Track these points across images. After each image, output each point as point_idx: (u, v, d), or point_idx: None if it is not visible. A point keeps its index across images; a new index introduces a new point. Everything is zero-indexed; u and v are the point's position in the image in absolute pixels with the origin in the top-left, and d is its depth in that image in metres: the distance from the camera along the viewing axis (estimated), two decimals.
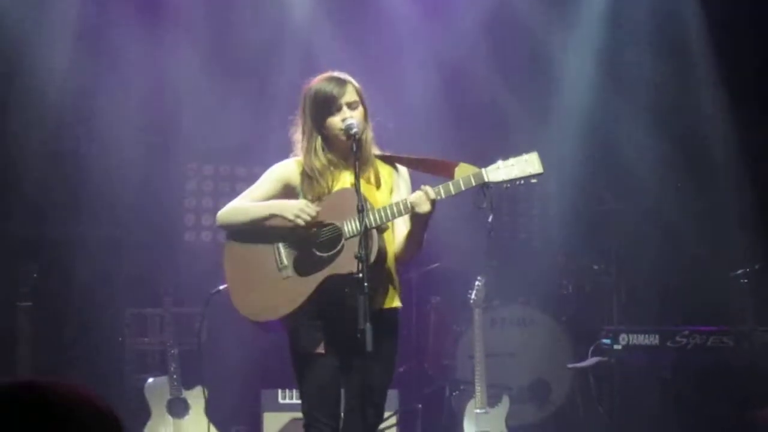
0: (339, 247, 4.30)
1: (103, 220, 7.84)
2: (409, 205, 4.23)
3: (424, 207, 4.20)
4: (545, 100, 8.56)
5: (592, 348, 7.29)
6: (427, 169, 4.52)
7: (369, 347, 3.91)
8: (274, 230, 4.40)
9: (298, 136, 4.52)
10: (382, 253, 4.29)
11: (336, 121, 4.37)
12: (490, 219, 4.23)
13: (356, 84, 4.47)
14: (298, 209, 4.31)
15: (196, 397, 6.96)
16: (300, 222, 4.31)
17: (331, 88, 4.39)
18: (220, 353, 7.57)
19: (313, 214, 4.31)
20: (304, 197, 4.43)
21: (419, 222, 4.30)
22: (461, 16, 8.42)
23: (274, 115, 7.64)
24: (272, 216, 4.38)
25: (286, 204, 4.37)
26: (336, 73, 4.48)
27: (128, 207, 7.85)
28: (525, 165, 4.25)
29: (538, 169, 4.25)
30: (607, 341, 7.02)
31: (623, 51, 8.36)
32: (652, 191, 8.30)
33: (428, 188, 4.22)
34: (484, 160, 4.31)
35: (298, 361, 4.45)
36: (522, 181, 4.28)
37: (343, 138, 4.35)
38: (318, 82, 4.46)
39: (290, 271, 4.39)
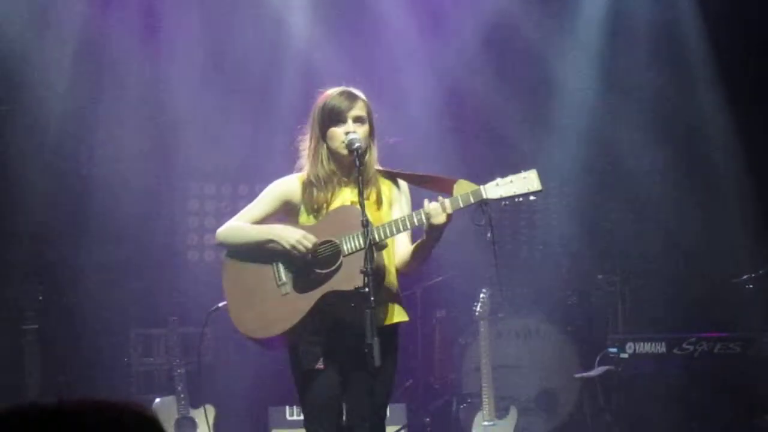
0: (337, 264, 4.30)
1: (107, 241, 7.83)
2: (423, 217, 4.21)
3: (440, 218, 4.18)
4: (545, 110, 8.56)
5: (598, 357, 7.28)
6: (425, 185, 4.50)
7: (377, 362, 3.89)
8: (273, 249, 4.40)
9: (305, 144, 4.53)
10: (381, 270, 4.28)
11: (339, 132, 4.37)
12: (488, 236, 4.19)
13: (367, 102, 4.48)
14: (295, 240, 4.32)
15: (203, 416, 6.95)
16: (296, 253, 4.32)
17: (341, 101, 4.41)
18: (227, 371, 7.56)
19: (310, 246, 4.31)
20: (305, 210, 4.44)
21: (433, 233, 4.27)
22: (460, 29, 8.43)
23: (276, 132, 7.66)
24: (270, 241, 4.39)
25: (285, 232, 4.37)
26: (350, 88, 4.51)
27: (131, 227, 7.84)
28: (524, 182, 4.23)
29: (536, 187, 4.23)
30: (613, 350, 7.00)
31: (622, 59, 8.37)
32: (655, 198, 8.30)
33: (445, 200, 4.21)
34: (485, 172, 4.29)
35: (299, 378, 4.45)
36: (521, 198, 4.25)
37: (344, 151, 4.35)
38: (330, 93, 4.48)
39: (289, 288, 4.39)
